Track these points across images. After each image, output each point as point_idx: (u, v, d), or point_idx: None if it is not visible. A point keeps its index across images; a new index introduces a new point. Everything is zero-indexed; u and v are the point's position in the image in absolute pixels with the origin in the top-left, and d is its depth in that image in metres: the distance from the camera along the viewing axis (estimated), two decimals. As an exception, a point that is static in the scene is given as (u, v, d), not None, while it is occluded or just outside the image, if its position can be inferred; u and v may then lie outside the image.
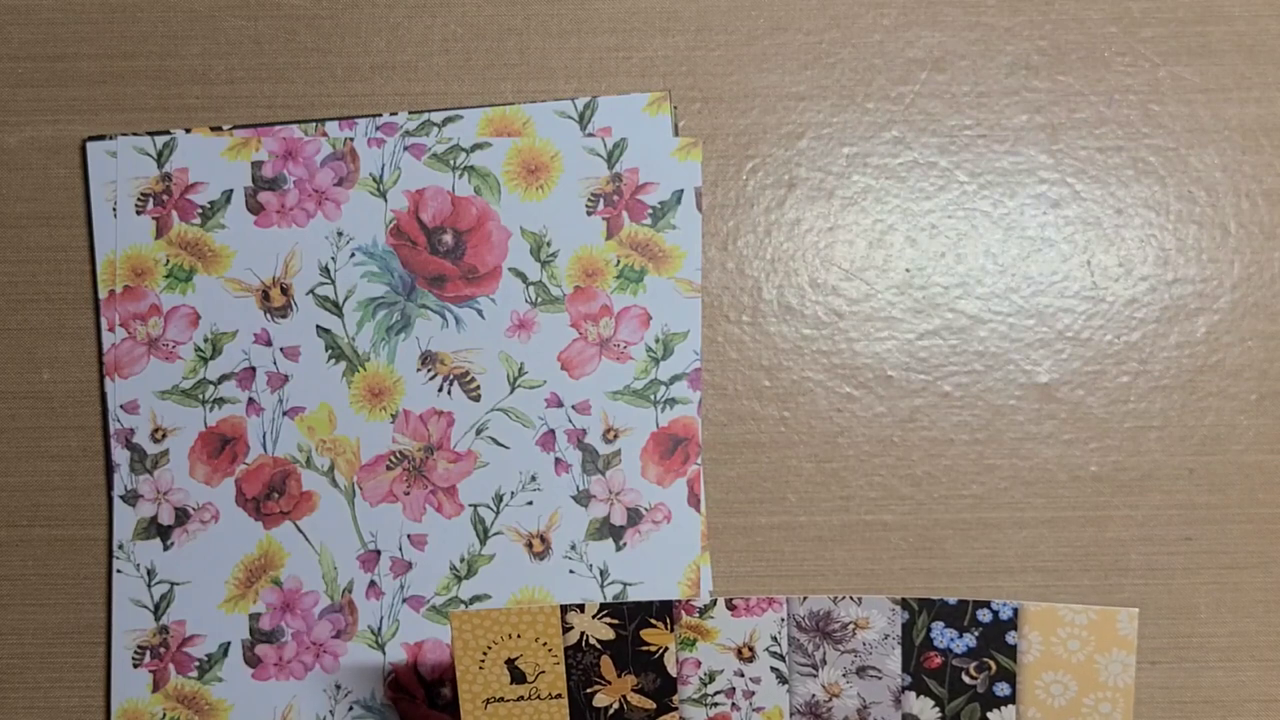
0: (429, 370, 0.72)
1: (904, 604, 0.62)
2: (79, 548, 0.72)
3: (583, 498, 0.72)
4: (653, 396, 0.72)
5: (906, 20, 0.73)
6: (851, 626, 0.62)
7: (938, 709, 0.63)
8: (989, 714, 0.62)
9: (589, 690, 0.64)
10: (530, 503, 0.72)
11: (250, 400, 0.72)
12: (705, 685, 0.64)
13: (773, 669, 0.63)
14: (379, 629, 0.71)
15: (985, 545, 0.71)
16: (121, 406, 0.71)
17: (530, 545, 0.72)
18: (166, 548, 0.71)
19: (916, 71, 0.73)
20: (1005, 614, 0.61)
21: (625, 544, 0.72)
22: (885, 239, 0.73)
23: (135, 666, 0.71)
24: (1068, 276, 0.72)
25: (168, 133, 0.72)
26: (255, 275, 0.72)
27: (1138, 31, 0.73)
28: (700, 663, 0.63)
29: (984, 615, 0.61)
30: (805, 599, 0.63)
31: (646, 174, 0.72)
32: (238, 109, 0.73)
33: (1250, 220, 0.72)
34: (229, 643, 0.71)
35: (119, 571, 0.71)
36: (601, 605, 0.62)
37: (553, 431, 0.72)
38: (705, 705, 0.64)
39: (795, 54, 0.73)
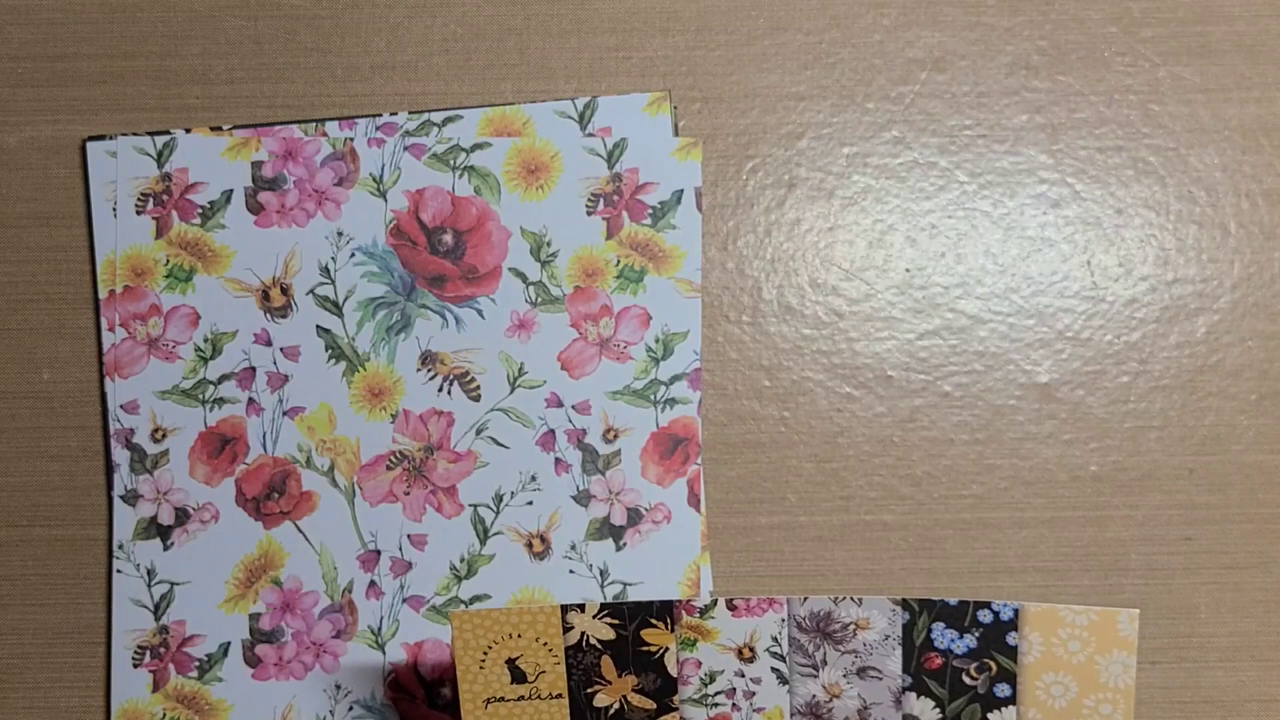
0: (429, 370, 0.72)
1: (904, 604, 0.62)
2: (79, 548, 0.72)
3: (583, 498, 0.72)
4: (653, 396, 0.72)
5: (906, 20, 0.73)
6: (852, 627, 0.62)
7: (938, 710, 0.63)
8: (989, 715, 0.62)
9: (589, 690, 0.64)
10: (530, 503, 0.72)
11: (250, 400, 0.72)
12: (706, 685, 0.64)
13: (773, 669, 0.63)
14: (379, 629, 0.71)
15: (985, 545, 0.71)
16: (121, 406, 0.71)
17: (530, 545, 0.72)
18: (166, 548, 0.71)
19: (916, 71, 0.73)
20: (1006, 615, 0.61)
21: (625, 544, 0.72)
22: (885, 239, 0.73)
23: (135, 666, 0.71)
24: (1068, 276, 0.72)
25: (168, 133, 0.72)
26: (255, 275, 0.72)
27: (1138, 31, 0.73)
28: (701, 663, 0.63)
29: (984, 616, 0.61)
30: (806, 599, 0.63)
31: (646, 174, 0.72)
32: (238, 109, 0.73)
33: (1250, 220, 0.72)
34: (229, 643, 0.71)
35: (119, 571, 0.71)
36: (602, 605, 0.62)
37: (553, 431, 0.72)
38: (706, 705, 0.64)
39: (795, 54, 0.73)
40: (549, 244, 0.72)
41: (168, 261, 0.72)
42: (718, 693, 0.64)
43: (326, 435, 0.72)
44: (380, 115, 0.73)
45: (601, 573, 0.71)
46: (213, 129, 0.73)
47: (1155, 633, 0.71)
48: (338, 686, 0.71)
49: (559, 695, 0.64)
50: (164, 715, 0.71)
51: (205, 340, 0.72)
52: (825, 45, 0.73)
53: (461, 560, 0.71)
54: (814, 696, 0.64)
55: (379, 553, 0.71)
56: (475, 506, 0.72)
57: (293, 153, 0.72)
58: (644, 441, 0.72)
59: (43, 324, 0.72)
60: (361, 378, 0.72)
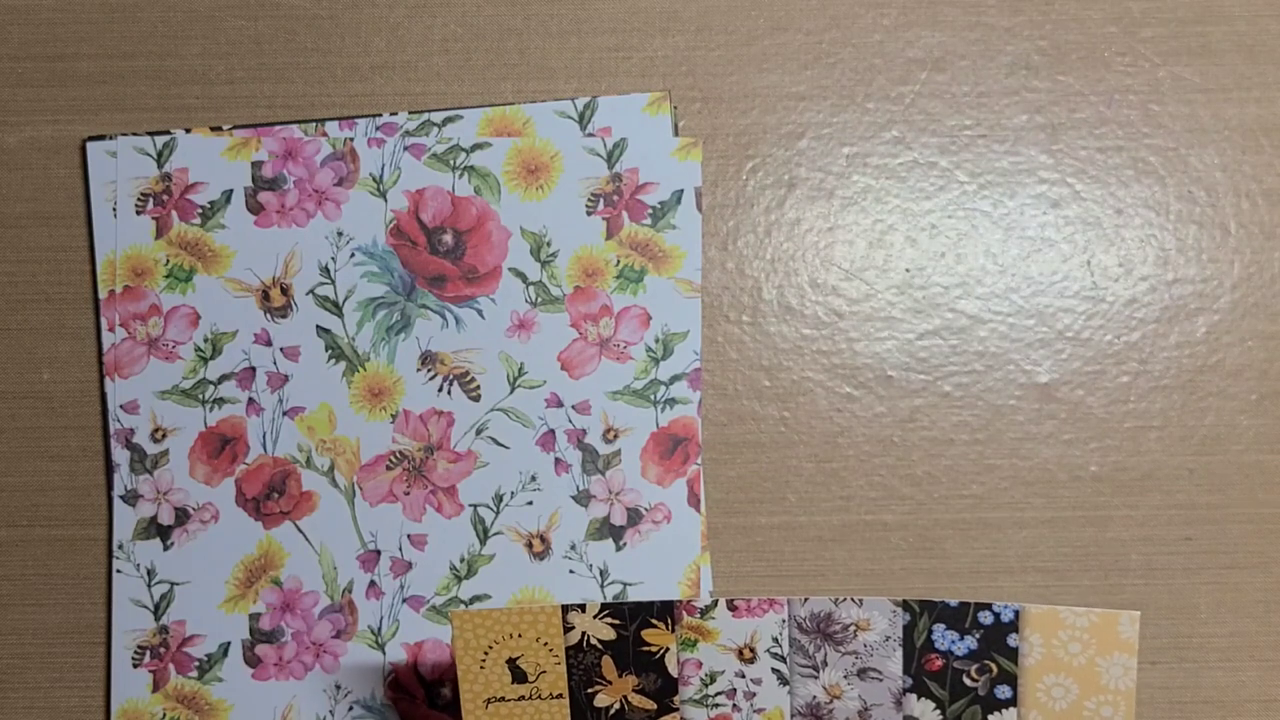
0: (429, 370, 0.72)
1: (905, 606, 0.62)
2: (79, 548, 0.72)
3: (583, 498, 0.72)
4: (653, 396, 0.72)
5: (906, 20, 0.73)
6: (852, 628, 0.62)
7: (939, 711, 0.63)
8: (990, 717, 0.62)
9: (590, 690, 0.64)
10: (530, 503, 0.72)
11: (250, 400, 0.72)
12: (706, 686, 0.64)
13: (774, 670, 0.63)
14: (379, 629, 0.71)
15: (985, 545, 0.72)
16: (121, 406, 0.71)
17: (530, 545, 0.72)
18: (166, 548, 0.71)
19: (916, 71, 0.73)
20: (1006, 616, 0.61)
21: (625, 544, 0.72)
22: (885, 239, 0.73)
23: (135, 666, 0.71)
24: (1068, 276, 0.72)
25: (168, 133, 0.72)
26: (255, 275, 0.72)
27: (1138, 31, 0.73)
28: (701, 663, 0.64)
29: (985, 617, 0.61)
30: (806, 600, 0.63)
31: (646, 174, 0.72)
32: (238, 109, 0.73)
33: (1250, 220, 0.72)
34: (229, 643, 0.71)
35: (119, 571, 0.71)
36: (603, 605, 0.62)
37: (553, 431, 0.72)
38: (706, 706, 0.64)
39: (795, 54, 0.73)
40: (549, 244, 0.72)
41: (168, 261, 0.72)
42: (718, 693, 0.64)
43: (326, 435, 0.72)
44: (380, 115, 0.73)
45: (601, 573, 0.71)
46: (213, 129, 0.73)
47: (1155, 633, 0.71)
48: (338, 686, 0.71)
49: (559, 695, 0.64)
50: (164, 715, 0.71)
51: (205, 340, 0.72)
52: (825, 45, 0.73)
53: (461, 560, 0.71)
54: (814, 697, 0.64)
55: (379, 553, 0.71)
56: (475, 506, 0.72)
57: (293, 153, 0.72)
58: (644, 441, 0.72)
59: (43, 324, 0.72)
60: (361, 378, 0.72)
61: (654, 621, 0.63)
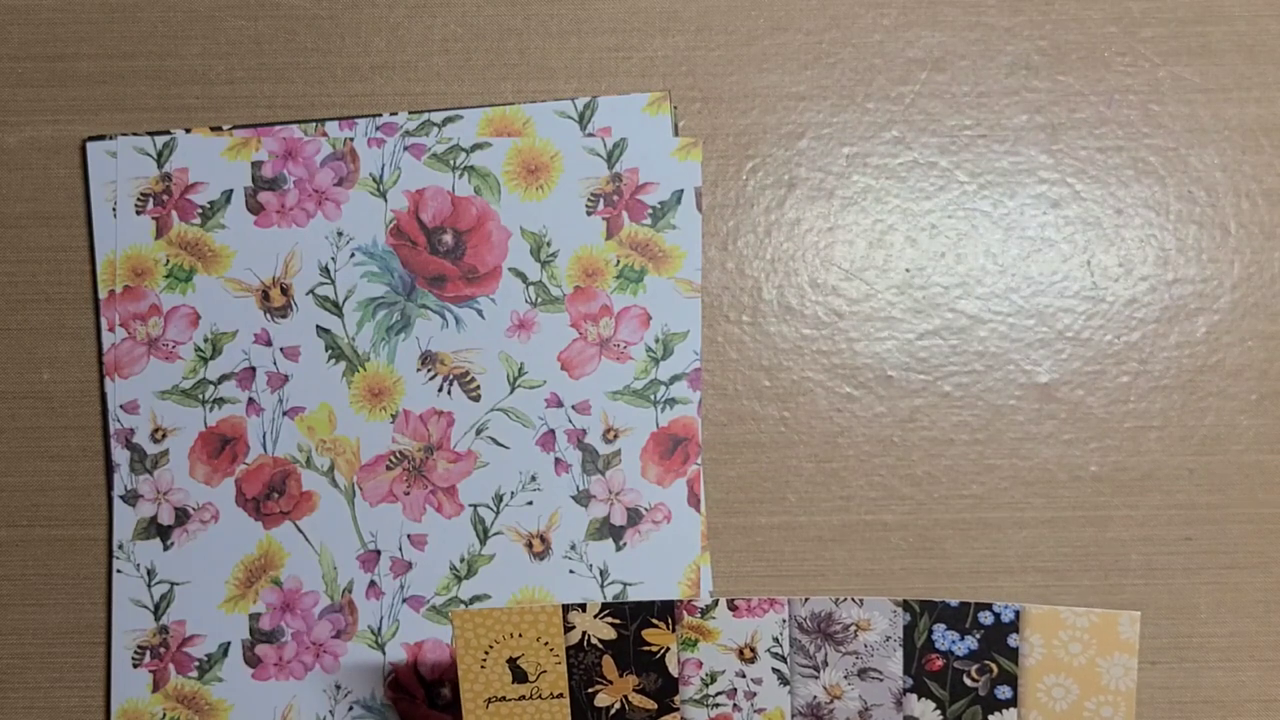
0: (429, 370, 0.72)
1: (905, 606, 0.62)
2: (79, 548, 0.72)
3: (583, 498, 0.72)
4: (653, 396, 0.72)
5: (906, 20, 0.73)
6: (853, 628, 0.62)
7: (939, 712, 0.63)
8: (990, 717, 0.62)
9: (590, 690, 0.64)
10: (530, 503, 0.72)
11: (250, 400, 0.72)
12: (707, 686, 0.64)
13: (774, 670, 0.63)
14: (379, 629, 0.71)
15: (985, 545, 0.72)
16: (121, 406, 0.71)
17: (530, 545, 0.72)
18: (166, 548, 0.71)
19: (916, 71, 0.73)
20: (1007, 616, 0.61)
21: (625, 544, 0.72)
22: (885, 239, 0.73)
23: (135, 666, 0.71)
24: (1068, 276, 0.72)
25: (168, 133, 0.72)
26: (255, 275, 0.72)
27: (1138, 31, 0.73)
28: (702, 663, 0.64)
29: (985, 617, 0.61)
30: (807, 600, 0.63)
31: (646, 174, 0.72)
32: (238, 109, 0.73)
33: (1250, 220, 0.72)
34: (229, 643, 0.71)
35: (119, 571, 0.71)
36: (603, 605, 0.62)
37: (553, 431, 0.72)
38: (707, 706, 0.64)
39: (795, 54, 0.73)
40: (549, 244, 0.72)
41: (168, 261, 0.72)
42: (719, 693, 0.64)
43: (326, 435, 0.72)
44: (380, 115, 0.73)
45: (601, 573, 0.71)
46: (213, 129, 0.72)
47: (1155, 633, 0.71)
48: (338, 686, 0.71)
49: (560, 695, 0.64)
50: (164, 715, 0.71)
51: (205, 340, 0.72)
52: (825, 45, 0.73)
53: (461, 560, 0.71)
54: (815, 697, 0.64)
55: (379, 553, 0.71)
56: (475, 506, 0.72)
57: (293, 153, 0.72)
58: (644, 441, 0.72)
59: (43, 324, 0.72)
60: (361, 378, 0.72)
61: (655, 621, 0.63)
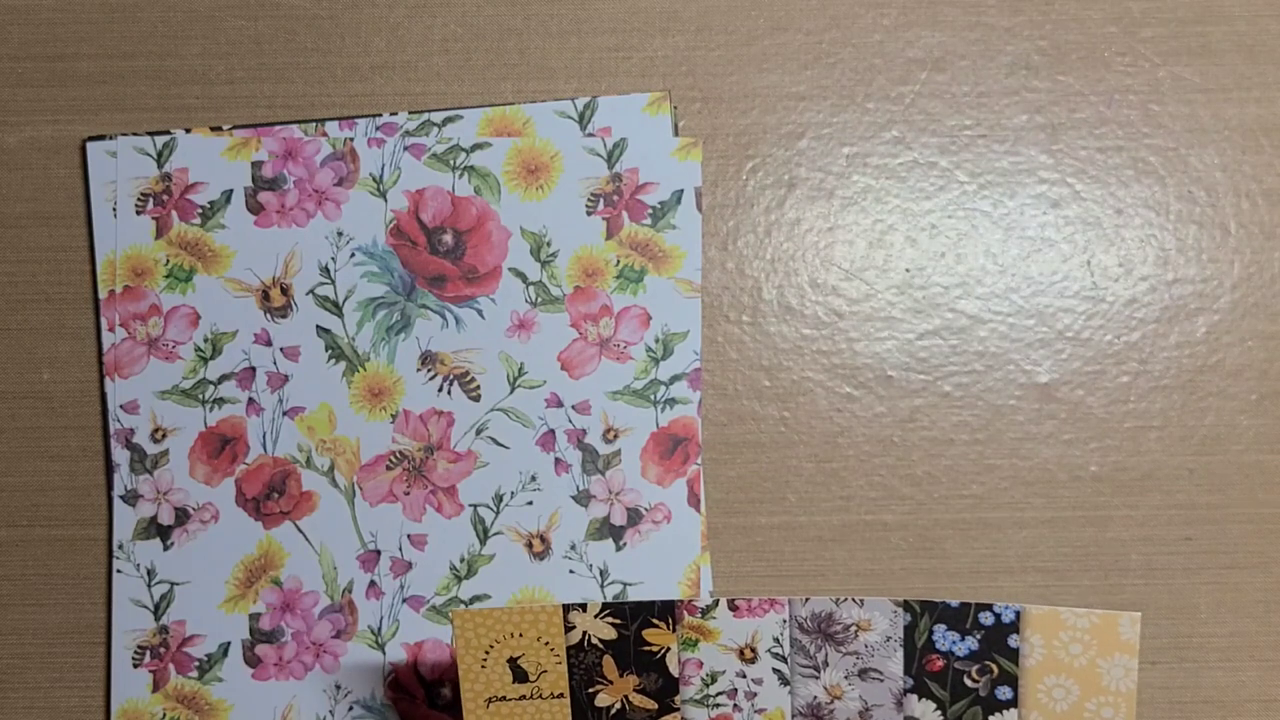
0: (429, 370, 0.72)
1: (906, 606, 0.62)
2: (79, 548, 0.72)
3: (583, 498, 0.72)
4: (653, 396, 0.72)
5: (906, 20, 0.73)
6: (853, 628, 0.62)
7: (939, 712, 0.63)
8: (991, 718, 0.62)
9: (591, 690, 0.64)
10: (530, 503, 0.72)
11: (250, 400, 0.72)
12: (707, 686, 0.64)
13: (775, 670, 0.63)
14: (379, 629, 0.71)
15: (985, 545, 0.72)
16: (121, 406, 0.71)
17: (530, 545, 0.72)
18: (166, 548, 0.71)
19: (916, 71, 0.73)
20: (1007, 617, 0.61)
21: (625, 544, 0.72)
22: (885, 239, 0.73)
23: (135, 666, 0.71)
24: (1068, 276, 0.72)
25: (168, 133, 0.72)
26: (255, 275, 0.72)
27: (1138, 31, 0.73)
28: (702, 663, 0.64)
29: (986, 618, 0.61)
30: (807, 600, 0.63)
31: (646, 174, 0.72)
32: (238, 109, 0.73)
33: (1250, 220, 0.72)
34: (229, 643, 0.71)
35: (119, 571, 0.71)
36: (604, 605, 0.62)
37: (553, 431, 0.72)
38: (707, 706, 0.64)
39: (795, 54, 0.73)
40: (549, 244, 0.72)
41: (168, 261, 0.72)
42: (719, 693, 0.64)
43: (326, 435, 0.72)
44: (380, 115, 0.73)
45: (601, 573, 0.71)
46: (213, 129, 0.72)
47: (1155, 633, 0.71)
48: (338, 686, 0.71)
49: (560, 695, 0.64)
50: (164, 715, 0.71)
51: (205, 340, 0.72)
52: (825, 45, 0.73)
53: (461, 560, 0.71)
54: (815, 698, 0.64)
55: (379, 553, 0.71)
56: (475, 506, 0.72)
57: (293, 153, 0.72)
58: (644, 441, 0.72)
59: (43, 324, 0.72)
60: (361, 378, 0.72)
61: (655, 621, 0.63)
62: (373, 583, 0.71)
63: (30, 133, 0.73)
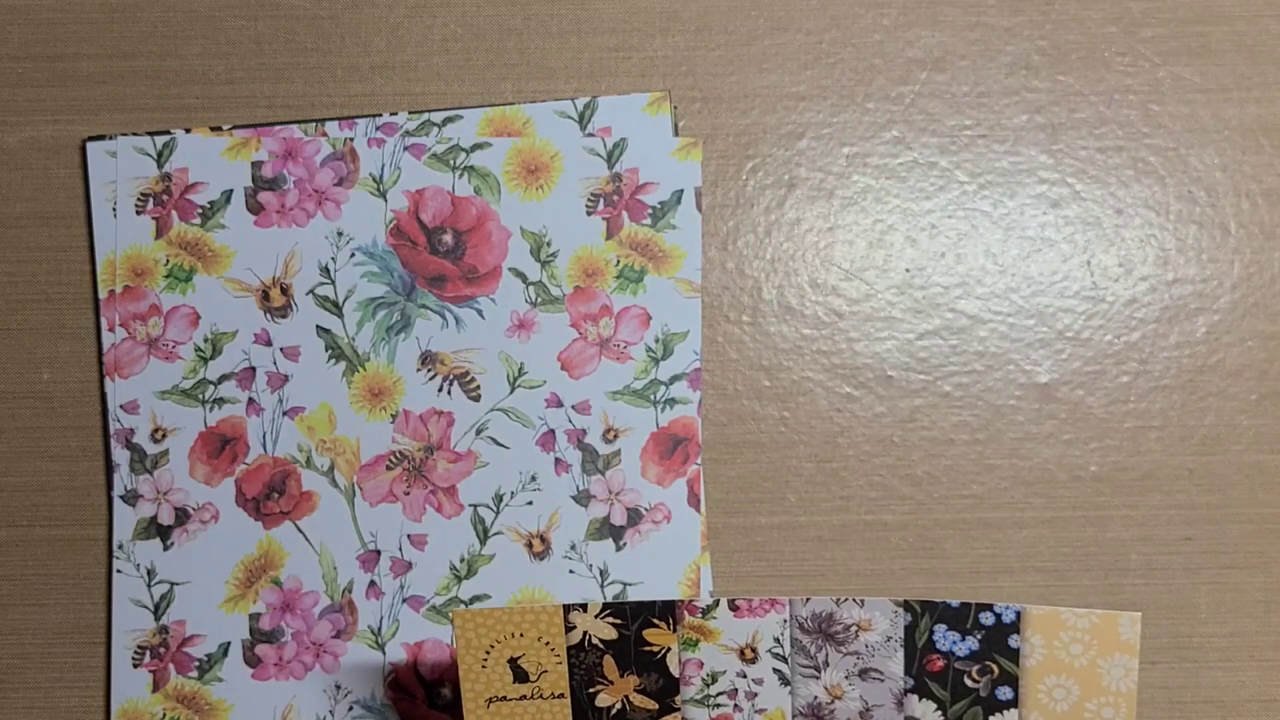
0: (429, 370, 0.72)
1: (906, 606, 0.62)
2: (79, 548, 0.72)
3: (583, 498, 0.72)
4: (653, 396, 0.72)
5: (906, 20, 0.73)
6: (854, 628, 0.62)
7: (940, 712, 0.63)
8: (991, 718, 0.62)
9: (591, 690, 0.64)
10: (530, 503, 0.72)
11: (250, 400, 0.72)
12: (708, 686, 0.64)
13: (775, 670, 0.63)
14: (379, 629, 0.71)
15: (985, 545, 0.72)
16: (121, 406, 0.71)
17: (530, 545, 0.72)
18: (166, 548, 0.71)
19: (916, 71, 0.73)
20: (1008, 617, 0.61)
21: (625, 544, 0.72)
22: (885, 239, 0.73)
23: (135, 666, 0.71)
24: (1068, 276, 0.72)
25: (168, 133, 0.72)
26: (255, 275, 0.72)
27: (1138, 31, 0.73)
28: (703, 663, 0.64)
29: (986, 618, 0.61)
30: (808, 600, 0.63)
31: (646, 174, 0.72)
32: (238, 109, 0.73)
33: (1250, 220, 0.72)
34: (229, 643, 0.71)
35: (119, 571, 0.71)
36: (604, 605, 0.62)
37: (553, 431, 0.72)
38: (707, 706, 0.64)
39: (795, 54, 0.73)
40: (549, 244, 0.72)
41: (168, 261, 0.72)
42: (720, 693, 0.64)
43: (326, 435, 0.72)
44: (380, 115, 0.73)
45: (601, 573, 0.71)
46: (213, 129, 0.72)
47: (1155, 633, 0.71)
48: (338, 686, 0.71)
49: (561, 695, 0.64)
50: (164, 715, 0.71)
51: (205, 340, 0.72)
52: (825, 45, 0.73)
53: (461, 560, 0.71)
54: (816, 698, 0.64)
55: (379, 553, 0.71)
56: (475, 506, 0.72)
57: (293, 153, 0.72)
58: (644, 441, 0.72)
59: (43, 324, 0.72)
60: (361, 378, 0.72)
61: (656, 621, 0.63)
62: (373, 583, 0.71)
63: (30, 133, 0.73)
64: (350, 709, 0.71)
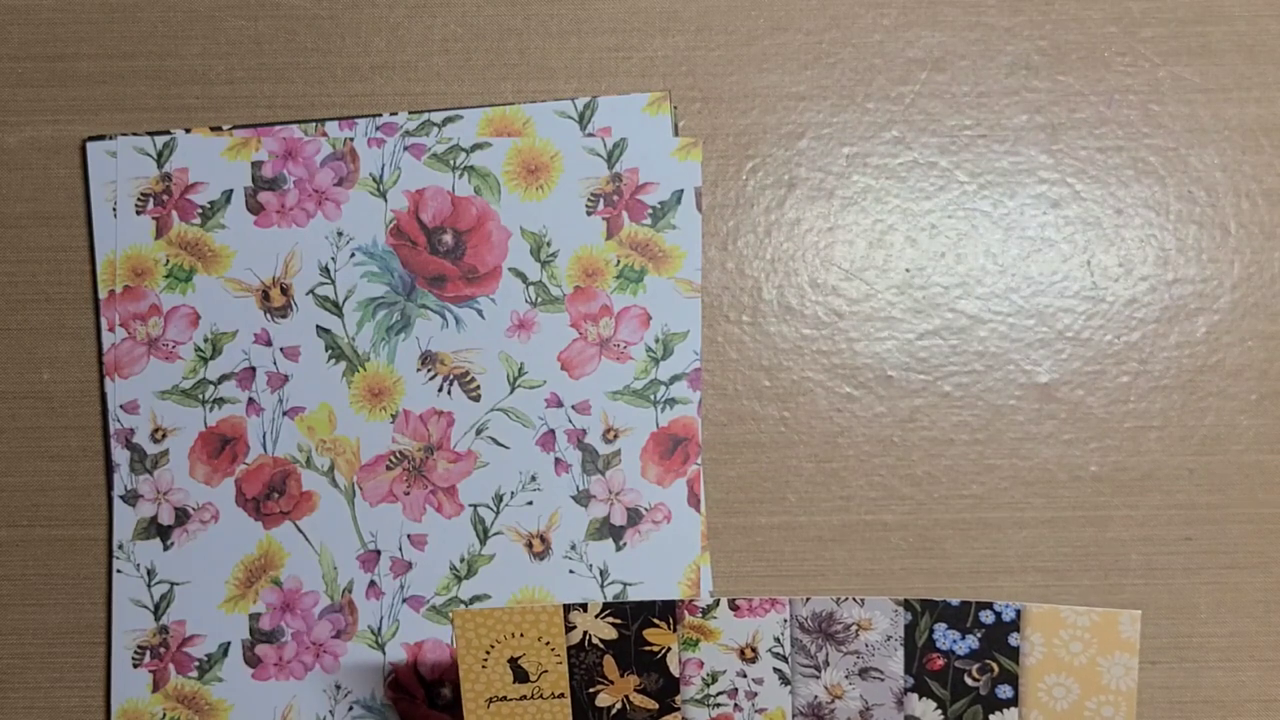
0: (429, 370, 0.72)
1: (906, 605, 0.62)
2: (79, 548, 0.72)
3: (583, 498, 0.72)
4: (653, 396, 0.72)
5: (906, 20, 0.73)
6: (854, 628, 0.62)
7: (940, 711, 0.63)
8: (991, 716, 0.62)
9: (591, 690, 0.64)
10: (530, 503, 0.72)
11: (250, 400, 0.72)
12: (708, 686, 0.64)
13: (775, 670, 0.63)
14: (379, 629, 0.71)
15: (985, 545, 0.72)
16: (121, 406, 0.71)
17: (530, 545, 0.72)
18: (166, 548, 0.71)
19: (916, 71, 0.73)
20: (1008, 616, 0.61)
21: (625, 544, 0.72)
22: (885, 239, 0.73)
23: (135, 666, 0.71)
24: (1068, 276, 0.72)
25: (168, 133, 0.72)
26: (255, 275, 0.72)
27: (1138, 31, 0.73)
28: (703, 663, 0.64)
29: (986, 617, 0.61)
30: (808, 600, 0.63)
31: (646, 174, 0.72)
32: (238, 109, 0.73)
33: (1250, 220, 0.72)
34: (229, 643, 0.71)
35: (119, 571, 0.71)
36: (604, 605, 0.62)
37: (553, 431, 0.72)
38: (708, 706, 0.64)
39: (795, 54, 0.73)
40: (549, 244, 0.72)
41: (168, 261, 0.72)
42: (720, 693, 0.64)
43: (326, 435, 0.72)
44: (380, 115, 0.73)
45: (601, 573, 0.71)
46: (213, 129, 0.72)
47: (1155, 633, 0.71)
48: (338, 686, 0.71)
49: (561, 695, 0.64)
50: (164, 715, 0.71)
51: (205, 340, 0.72)
52: (825, 45, 0.73)
53: (461, 560, 0.71)
54: (816, 697, 0.64)
55: (379, 553, 0.71)
56: (475, 506, 0.72)
57: (293, 153, 0.72)
58: (644, 441, 0.72)
59: (43, 324, 0.72)
60: (361, 378, 0.72)
61: (656, 621, 0.63)
62: (373, 583, 0.71)
63: (30, 133, 0.73)
64: (350, 709, 0.71)
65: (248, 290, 0.72)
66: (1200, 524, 0.72)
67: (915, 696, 0.63)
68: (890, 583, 0.71)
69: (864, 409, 0.72)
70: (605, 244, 0.72)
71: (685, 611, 0.63)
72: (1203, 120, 0.73)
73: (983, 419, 0.72)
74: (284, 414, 0.72)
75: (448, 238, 0.72)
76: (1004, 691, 0.62)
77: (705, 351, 0.72)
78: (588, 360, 0.72)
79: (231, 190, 0.72)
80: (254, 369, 0.72)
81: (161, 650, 0.71)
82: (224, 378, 0.72)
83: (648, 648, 0.63)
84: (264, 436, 0.72)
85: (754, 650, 0.63)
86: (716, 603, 0.63)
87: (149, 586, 0.71)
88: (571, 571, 0.71)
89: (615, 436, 0.72)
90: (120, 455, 0.71)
